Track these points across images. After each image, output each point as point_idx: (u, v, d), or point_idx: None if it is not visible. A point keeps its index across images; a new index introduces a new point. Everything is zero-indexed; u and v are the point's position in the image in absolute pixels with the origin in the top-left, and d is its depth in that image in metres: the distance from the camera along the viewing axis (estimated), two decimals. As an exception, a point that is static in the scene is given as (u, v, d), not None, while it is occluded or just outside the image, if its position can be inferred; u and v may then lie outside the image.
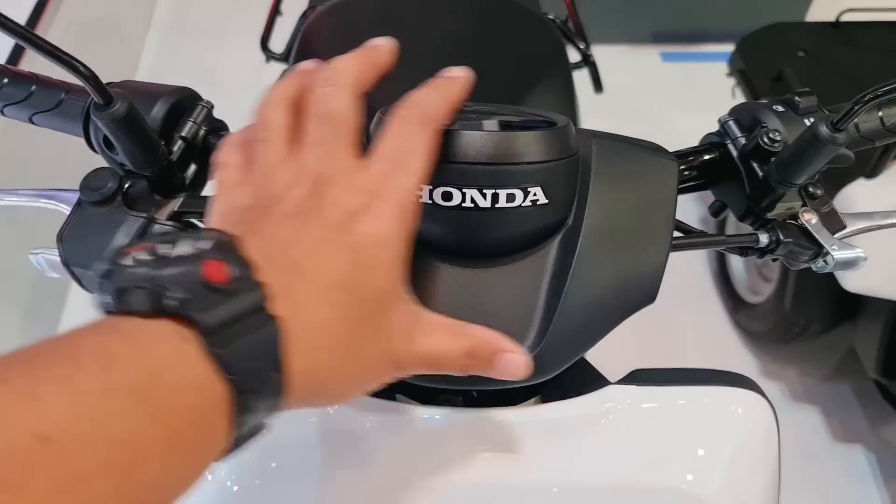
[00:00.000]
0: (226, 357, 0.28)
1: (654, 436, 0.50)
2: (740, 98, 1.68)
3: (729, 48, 1.81)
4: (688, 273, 1.96)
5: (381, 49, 0.43)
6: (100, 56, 2.23)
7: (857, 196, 1.30)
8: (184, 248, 0.29)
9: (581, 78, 1.33)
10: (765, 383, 1.72)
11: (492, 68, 1.10)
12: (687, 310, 1.88)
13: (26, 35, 0.39)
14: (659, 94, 2.50)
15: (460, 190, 0.43)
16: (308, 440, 0.48)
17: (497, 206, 0.43)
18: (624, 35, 2.63)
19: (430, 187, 0.43)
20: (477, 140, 0.43)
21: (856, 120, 0.55)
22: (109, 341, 0.27)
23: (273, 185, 0.36)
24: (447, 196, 0.43)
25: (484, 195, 0.43)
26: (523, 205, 0.44)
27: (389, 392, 0.51)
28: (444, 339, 0.38)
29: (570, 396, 0.50)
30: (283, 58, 1.29)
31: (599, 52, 1.33)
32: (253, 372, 0.29)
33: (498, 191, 0.43)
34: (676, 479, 0.49)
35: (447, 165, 0.43)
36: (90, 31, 2.14)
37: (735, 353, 1.80)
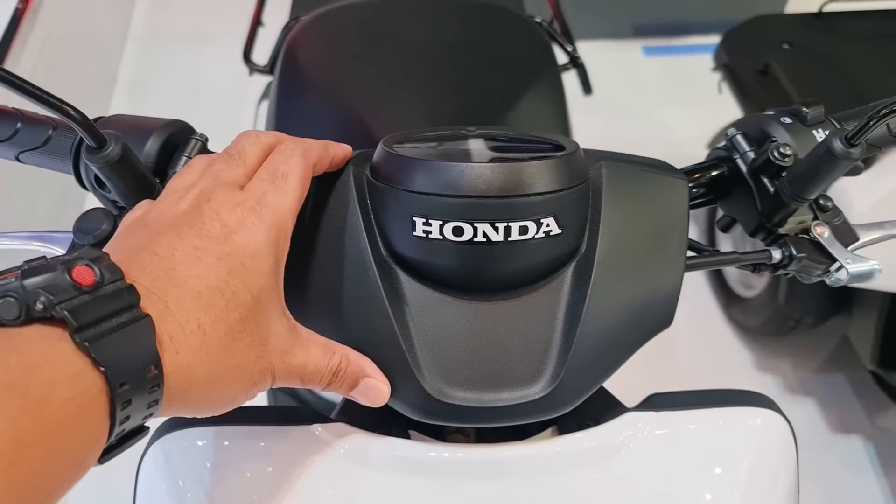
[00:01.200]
0: (97, 350, 0.29)
1: (674, 461, 0.49)
2: (727, 93, 1.68)
3: (711, 40, 1.80)
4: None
5: (342, 147, 0.47)
6: (79, 68, 2.19)
7: (848, 190, 1.29)
8: (54, 263, 0.31)
9: (567, 77, 1.32)
10: (760, 377, 1.73)
11: (481, 74, 1.08)
12: (680, 306, 1.88)
13: (9, 79, 0.37)
14: (642, 90, 2.49)
15: (472, 224, 0.41)
16: (321, 478, 0.47)
17: (510, 239, 0.42)
18: (604, 30, 2.62)
19: (441, 223, 0.42)
20: (487, 172, 0.41)
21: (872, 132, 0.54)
22: None
23: (162, 203, 0.40)
24: (458, 231, 0.42)
25: (496, 229, 0.41)
26: (536, 236, 0.42)
27: (402, 428, 0.49)
28: (317, 356, 0.41)
29: (587, 425, 0.49)
30: (268, 70, 1.27)
31: (580, 48, 1.32)
32: (127, 365, 0.30)
33: (510, 224, 0.41)
34: (696, 502, 0.48)
35: (457, 200, 0.41)
36: (68, 43, 2.10)
37: (730, 349, 1.80)
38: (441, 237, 0.42)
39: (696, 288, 1.93)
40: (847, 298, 1.50)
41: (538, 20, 1.30)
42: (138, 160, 0.46)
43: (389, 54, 1.08)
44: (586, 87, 1.30)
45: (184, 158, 0.50)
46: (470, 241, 0.42)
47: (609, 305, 0.45)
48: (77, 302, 0.30)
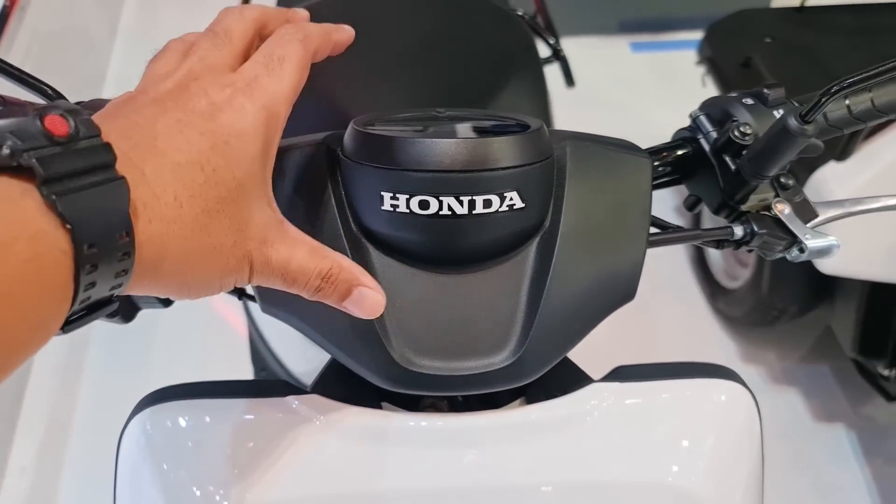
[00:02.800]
0: (65, 205, 0.27)
1: (639, 431, 0.50)
2: (711, 87, 1.70)
3: (697, 36, 1.82)
4: (666, 261, 1.98)
5: (343, 30, 0.46)
6: (67, 66, 2.20)
7: (828, 180, 1.32)
8: (25, 108, 0.30)
9: (552, 72, 1.34)
10: (745, 367, 1.75)
11: (463, 66, 1.10)
12: (666, 298, 1.90)
13: None
14: (629, 85, 2.51)
15: (437, 198, 0.43)
16: (297, 447, 0.48)
17: (474, 212, 0.43)
18: (592, 26, 2.64)
19: (408, 197, 0.43)
20: (452, 148, 0.43)
21: (824, 109, 0.56)
22: None
23: (144, 83, 0.38)
24: (424, 204, 0.43)
25: (461, 202, 0.43)
26: (500, 210, 0.44)
27: (375, 400, 0.51)
28: (303, 255, 0.39)
29: (555, 396, 0.51)
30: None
31: (567, 44, 1.34)
32: (97, 226, 0.29)
33: (475, 197, 0.43)
34: (662, 472, 0.50)
35: (423, 174, 0.43)
36: (55, 41, 2.11)
37: (715, 339, 1.82)
38: (408, 211, 0.43)
39: (681, 280, 1.95)
40: (829, 288, 1.52)
41: (521, 13, 1.31)
42: None
43: (371, 46, 1.09)
44: (569, 79, 1.32)
45: None
46: (436, 215, 0.43)
47: (572, 278, 0.47)
48: (47, 152, 0.28)
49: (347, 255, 0.45)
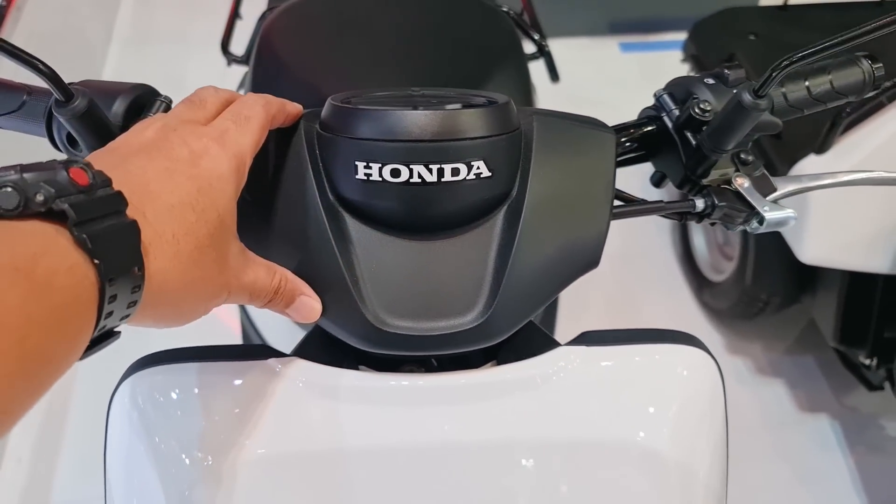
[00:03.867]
0: (94, 243, 0.32)
1: (605, 392, 0.53)
2: (695, 83, 1.73)
3: (685, 36, 1.85)
4: (654, 257, 2.01)
5: (295, 106, 0.51)
6: (63, 68, 2.21)
7: (808, 171, 1.34)
8: (51, 162, 0.33)
9: (540, 69, 1.37)
10: (732, 359, 1.78)
11: (449, 61, 1.13)
12: (654, 292, 1.93)
13: None
14: (619, 85, 2.54)
15: (407, 166, 0.45)
16: (278, 407, 0.51)
17: (443, 180, 0.46)
18: (582, 27, 2.68)
19: (380, 165, 0.46)
20: (422, 119, 0.45)
21: (783, 90, 0.59)
22: None
23: (127, 136, 0.42)
24: (395, 173, 0.46)
25: (430, 170, 0.46)
26: (468, 178, 0.46)
27: (353, 364, 0.53)
28: (263, 275, 0.45)
29: (523, 358, 0.53)
30: (244, 60, 1.31)
31: (559, 45, 1.37)
32: (118, 262, 0.33)
33: (443, 165, 0.46)
34: (627, 433, 0.52)
35: (395, 144, 0.45)
36: (51, 43, 2.13)
37: (702, 332, 1.85)
38: (380, 179, 0.46)
39: (668, 274, 1.98)
40: (811, 279, 1.55)
41: (507, 10, 1.34)
42: (105, 116, 0.50)
43: (360, 42, 1.12)
44: (553, 74, 1.34)
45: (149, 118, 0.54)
46: (406, 182, 0.46)
47: (537, 245, 0.49)
48: (75, 199, 0.32)
49: (325, 224, 0.48)
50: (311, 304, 0.48)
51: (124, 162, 0.39)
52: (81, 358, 0.34)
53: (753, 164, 0.58)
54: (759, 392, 1.72)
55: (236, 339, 1.19)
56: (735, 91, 0.57)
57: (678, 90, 0.59)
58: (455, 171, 0.46)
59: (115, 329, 0.36)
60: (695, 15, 1.88)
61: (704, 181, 0.57)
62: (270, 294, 0.46)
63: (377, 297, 0.48)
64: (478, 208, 0.49)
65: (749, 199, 0.56)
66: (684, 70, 1.82)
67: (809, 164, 1.36)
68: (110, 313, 0.33)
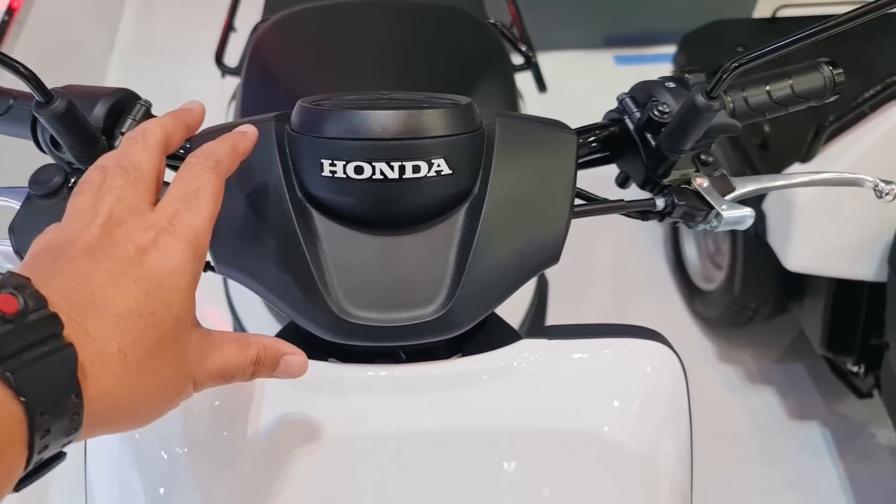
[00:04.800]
0: (19, 380, 0.29)
1: (568, 385, 0.55)
2: (683, 93, 1.75)
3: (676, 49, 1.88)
4: (646, 267, 2.03)
5: (192, 110, 0.47)
6: (63, 80, 2.25)
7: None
8: None
9: (529, 82, 1.39)
10: (723, 367, 1.79)
11: (435, 71, 1.15)
12: (646, 301, 1.95)
13: None
14: (614, 97, 2.56)
15: (370, 164, 0.48)
16: (249, 399, 0.52)
17: (404, 177, 0.48)
18: (577, 41, 2.71)
19: (344, 163, 0.48)
20: (383, 118, 0.47)
21: (745, 94, 0.61)
22: None
23: (71, 228, 0.39)
24: (359, 170, 0.48)
25: (392, 167, 0.48)
26: (429, 175, 0.48)
27: (323, 357, 0.55)
28: (233, 353, 0.42)
29: (487, 350, 0.55)
30: (238, 71, 1.34)
31: (553, 59, 1.40)
32: (48, 395, 0.31)
33: (404, 163, 0.48)
34: (590, 425, 0.54)
35: (358, 142, 0.48)
36: (52, 56, 2.17)
37: (693, 340, 1.86)
38: (345, 176, 0.48)
39: (660, 284, 2.00)
40: (799, 288, 1.56)
41: (494, 22, 1.37)
42: (86, 119, 0.53)
43: (349, 54, 1.14)
44: (540, 84, 1.37)
45: (129, 120, 0.57)
46: (370, 179, 0.48)
47: (498, 241, 0.51)
48: (1, 331, 0.30)
49: (293, 219, 0.50)
50: (297, 362, 0.45)
51: (69, 267, 0.36)
52: (17, 489, 0.32)
53: (713, 164, 0.60)
54: (750, 400, 1.73)
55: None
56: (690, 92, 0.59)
57: (640, 94, 0.61)
58: (416, 169, 0.48)
59: (60, 452, 0.34)
60: (689, 28, 1.90)
61: (665, 181, 0.59)
62: (249, 368, 0.42)
63: (342, 289, 0.50)
64: (440, 205, 0.51)
65: (708, 198, 0.58)
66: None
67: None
68: (45, 446, 0.31)
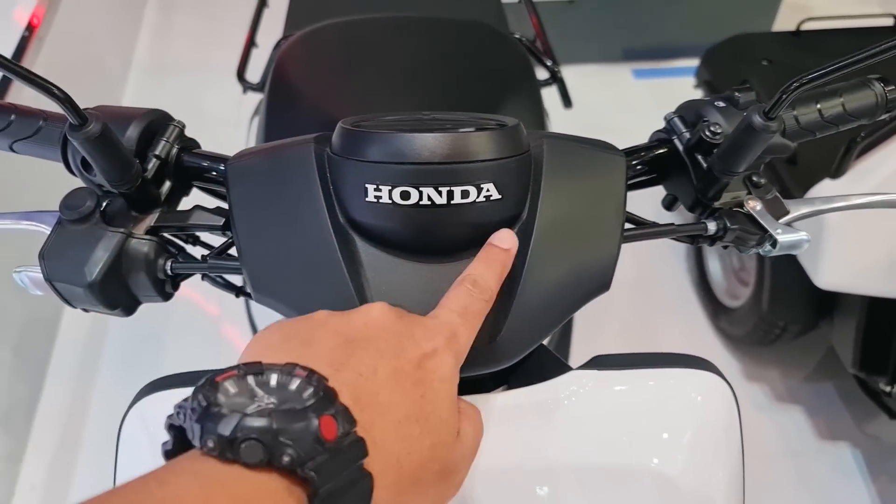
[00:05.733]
0: None
1: (618, 418, 0.52)
2: (708, 108, 1.73)
3: (697, 62, 1.86)
4: (669, 282, 2.00)
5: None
6: (82, 96, 2.24)
7: (825, 195, 1.33)
8: (290, 394, 0.32)
9: (553, 96, 1.38)
10: (749, 386, 1.75)
11: (462, 88, 1.14)
12: (669, 317, 1.92)
13: (2, 62, 0.42)
14: (632, 111, 2.55)
15: (417, 189, 0.46)
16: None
17: (452, 202, 0.46)
18: (595, 54, 2.69)
19: (390, 188, 0.46)
20: (431, 141, 0.45)
21: (795, 113, 0.59)
22: (213, 495, 0.28)
23: (360, 315, 0.41)
24: (405, 195, 0.46)
25: (440, 192, 0.46)
26: (477, 200, 0.46)
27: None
28: (474, 426, 0.43)
29: (535, 384, 0.53)
30: (260, 87, 1.32)
31: (572, 72, 1.38)
32: None
33: (452, 188, 0.46)
34: (640, 459, 0.52)
35: (405, 167, 0.46)
36: (72, 73, 2.17)
37: (718, 359, 1.83)
38: (390, 201, 0.46)
39: (683, 299, 1.97)
40: (830, 305, 1.53)
41: (520, 37, 1.35)
42: (119, 141, 0.51)
43: (374, 69, 1.13)
44: (566, 100, 1.35)
45: (163, 142, 0.55)
46: (416, 205, 0.46)
47: (547, 268, 0.49)
48: (321, 461, 0.30)
49: (335, 246, 0.48)
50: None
51: (357, 360, 0.37)
52: None
53: (765, 186, 0.58)
54: (779, 419, 1.70)
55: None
56: (745, 113, 0.57)
57: (689, 113, 0.59)
58: (465, 194, 0.46)
59: None
60: (707, 42, 1.88)
61: (716, 204, 0.57)
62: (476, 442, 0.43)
63: None
64: (487, 230, 0.49)
65: (761, 221, 0.56)
66: (697, 95, 1.82)
67: (824, 189, 1.35)
68: None
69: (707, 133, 0.55)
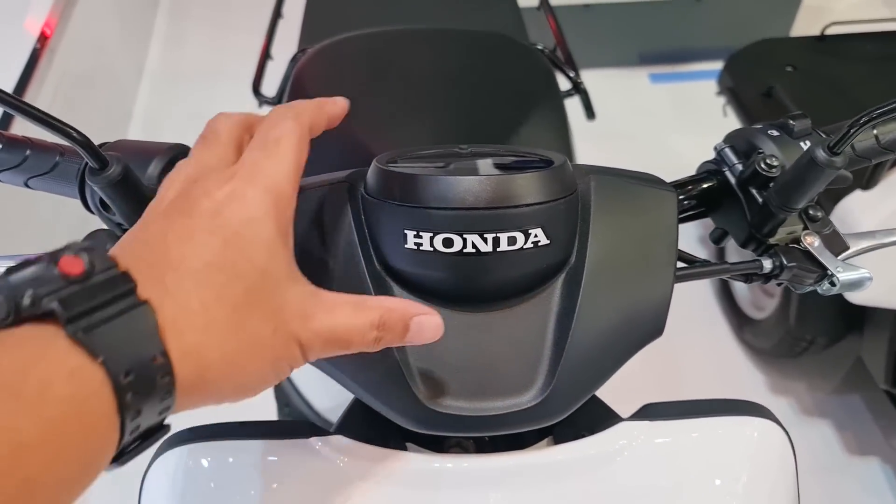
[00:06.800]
0: (92, 339, 0.28)
1: (671, 471, 0.49)
2: (732, 117, 1.69)
3: (716, 66, 1.82)
4: (692, 293, 1.96)
5: (335, 102, 0.45)
6: (94, 105, 2.24)
7: (854, 208, 1.30)
8: (41, 256, 0.29)
9: (572, 104, 1.34)
10: (774, 399, 1.71)
11: (484, 102, 1.11)
12: (692, 330, 1.88)
13: (17, 104, 0.39)
14: (649, 116, 2.51)
15: (461, 236, 0.42)
16: (320, 490, 0.47)
17: (499, 249, 0.43)
18: (611, 58, 2.65)
19: (431, 235, 0.43)
20: (475, 185, 0.42)
21: (852, 140, 0.55)
22: None
23: (157, 202, 0.38)
24: (448, 243, 0.43)
25: (485, 239, 0.43)
26: (525, 247, 0.43)
27: (399, 441, 0.50)
28: (347, 315, 0.37)
29: (583, 435, 0.50)
30: (276, 101, 1.30)
31: (587, 77, 1.34)
32: (129, 354, 0.29)
33: (499, 234, 0.43)
34: (695, 513, 0.48)
35: (446, 212, 0.42)
36: (83, 81, 2.15)
37: (742, 371, 1.79)
38: (432, 249, 0.43)
39: (707, 310, 1.93)
40: (859, 318, 1.49)
41: (541, 48, 1.32)
42: (140, 181, 0.48)
43: (394, 83, 1.10)
44: (589, 112, 1.32)
45: None
46: (460, 253, 0.43)
47: (599, 315, 0.46)
48: (66, 293, 0.28)
49: (371, 293, 0.45)
50: (431, 322, 0.40)
51: (144, 231, 0.35)
52: (121, 463, 0.31)
53: (823, 220, 0.54)
54: (807, 434, 1.66)
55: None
56: (803, 144, 0.54)
57: (740, 143, 0.55)
58: (512, 240, 0.43)
59: (160, 424, 0.32)
60: (723, 45, 1.85)
61: (771, 240, 0.53)
62: (370, 333, 0.38)
63: (428, 374, 0.45)
64: (535, 277, 0.46)
65: (820, 258, 0.53)
66: (714, 101, 1.79)
67: (856, 200, 1.31)
68: (137, 411, 0.29)
69: (762, 166, 0.51)
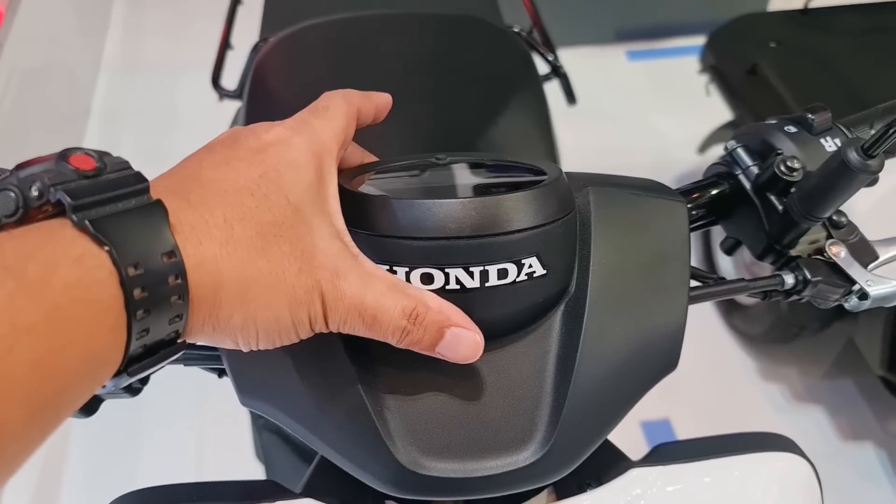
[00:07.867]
0: (99, 227, 0.27)
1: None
2: (716, 96, 1.63)
3: (694, 41, 1.76)
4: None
5: (383, 95, 0.44)
6: (49, 102, 2.13)
7: (864, 209, 1.24)
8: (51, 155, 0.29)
9: (551, 88, 1.27)
10: (766, 386, 1.67)
11: (459, 90, 1.03)
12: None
13: None
14: (628, 95, 2.44)
15: (442, 270, 0.36)
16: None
17: (487, 284, 0.36)
18: (586, 36, 2.58)
19: (407, 269, 0.36)
20: (456, 209, 0.36)
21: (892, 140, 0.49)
22: None
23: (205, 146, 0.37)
24: (427, 279, 0.36)
25: (471, 274, 0.36)
26: (518, 279, 0.37)
27: (378, 500, 0.44)
28: (381, 291, 0.34)
29: (588, 485, 0.43)
30: (237, 95, 1.21)
31: (563, 55, 1.27)
32: (136, 246, 0.27)
33: (487, 267, 0.36)
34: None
35: (424, 242, 0.36)
36: (36, 77, 2.04)
37: (733, 358, 1.75)
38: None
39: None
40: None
41: (517, 30, 1.25)
42: None
43: (362, 72, 1.03)
44: (570, 97, 1.25)
45: None
46: (442, 289, 0.36)
47: (605, 351, 0.39)
48: (75, 185, 0.27)
49: (338, 341, 0.38)
50: (470, 338, 0.35)
51: (180, 164, 0.34)
52: (130, 373, 0.28)
53: (848, 227, 0.48)
54: (799, 421, 1.62)
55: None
56: (824, 141, 0.48)
57: (754, 141, 0.49)
58: (502, 273, 0.36)
59: (173, 339, 0.29)
60: (701, 19, 1.78)
61: (792, 252, 0.47)
62: (399, 319, 0.34)
63: (408, 430, 0.38)
64: (530, 313, 0.39)
65: (848, 270, 0.47)
66: (694, 77, 1.73)
67: (863, 199, 1.26)
68: (146, 311, 0.27)
69: (782, 169, 0.45)
